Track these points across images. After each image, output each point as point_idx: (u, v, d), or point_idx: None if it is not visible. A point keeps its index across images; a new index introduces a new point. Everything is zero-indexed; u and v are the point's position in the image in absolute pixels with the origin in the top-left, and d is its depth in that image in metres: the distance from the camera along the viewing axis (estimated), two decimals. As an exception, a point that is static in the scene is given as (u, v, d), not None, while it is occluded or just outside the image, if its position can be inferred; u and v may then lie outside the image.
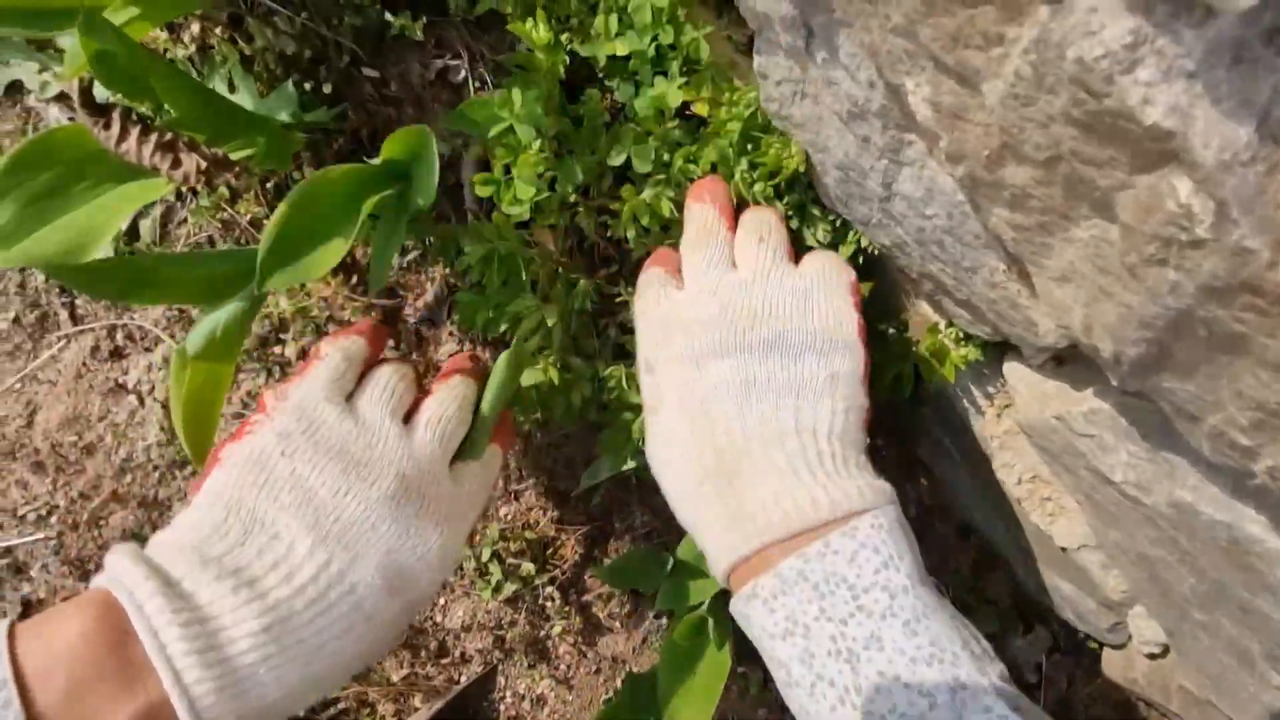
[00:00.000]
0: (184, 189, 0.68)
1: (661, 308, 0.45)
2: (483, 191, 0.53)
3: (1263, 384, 0.25)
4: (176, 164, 0.44)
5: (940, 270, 0.46)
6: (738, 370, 0.41)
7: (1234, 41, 0.20)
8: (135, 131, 0.44)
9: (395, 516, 0.38)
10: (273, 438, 0.39)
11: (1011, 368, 0.52)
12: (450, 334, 0.71)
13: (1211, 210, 0.22)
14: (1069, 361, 0.45)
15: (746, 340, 0.42)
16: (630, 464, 0.64)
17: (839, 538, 0.36)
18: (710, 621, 0.54)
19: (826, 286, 0.45)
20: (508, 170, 0.53)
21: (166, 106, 0.43)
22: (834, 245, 0.54)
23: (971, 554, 0.75)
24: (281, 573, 0.35)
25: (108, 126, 0.48)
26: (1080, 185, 0.26)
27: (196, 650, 0.31)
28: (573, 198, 0.55)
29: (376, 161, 0.47)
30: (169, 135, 0.45)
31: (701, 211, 0.48)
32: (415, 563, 0.39)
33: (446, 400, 0.44)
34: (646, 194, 0.53)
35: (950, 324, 0.54)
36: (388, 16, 0.63)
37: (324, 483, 0.38)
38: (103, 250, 0.44)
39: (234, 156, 0.48)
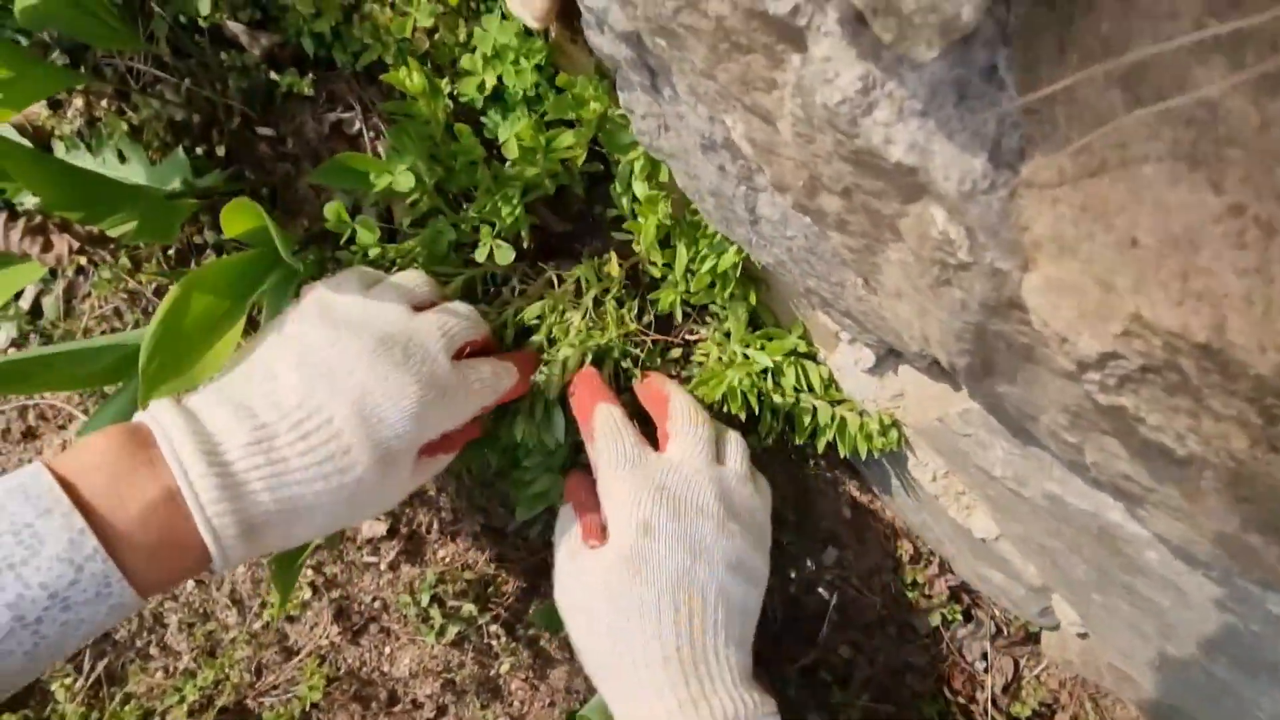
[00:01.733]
0: (85, 265, 0.67)
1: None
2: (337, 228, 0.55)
3: (1060, 388, 0.26)
4: (48, 246, 0.44)
5: (818, 286, 0.48)
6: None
7: (955, 80, 0.21)
8: (1, 218, 0.43)
9: (373, 364, 0.42)
10: (294, 314, 0.45)
11: (905, 371, 0.54)
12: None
13: (964, 236, 0.23)
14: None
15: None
16: (555, 498, 0.65)
17: None
18: None
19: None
20: (357, 210, 0.54)
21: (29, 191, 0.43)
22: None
23: (907, 549, 0.76)
24: (270, 401, 0.39)
25: None
26: (874, 213, 0.28)
27: (201, 451, 0.36)
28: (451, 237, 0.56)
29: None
30: (38, 218, 0.45)
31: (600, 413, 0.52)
32: (390, 408, 0.41)
33: (462, 310, 0.49)
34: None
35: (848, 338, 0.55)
36: (273, 76, 0.63)
37: (320, 336, 0.43)
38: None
39: (112, 233, 0.48)
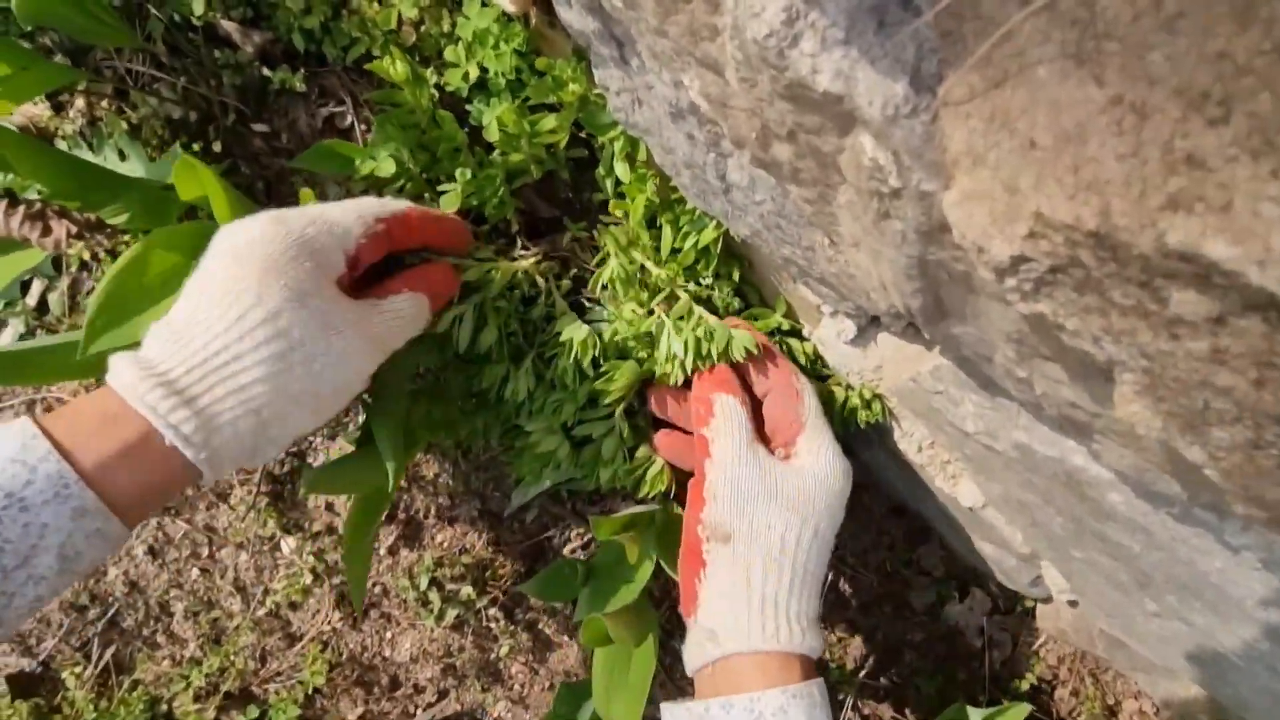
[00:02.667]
0: (89, 260, 0.69)
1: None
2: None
3: (1001, 315, 0.27)
4: (47, 231, 0.46)
5: (792, 253, 0.49)
6: None
7: (875, 7, 0.22)
8: (1, 205, 0.45)
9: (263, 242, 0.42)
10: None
11: (883, 338, 0.54)
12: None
13: (892, 161, 0.24)
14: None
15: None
16: (549, 481, 0.66)
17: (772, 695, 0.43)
18: (610, 624, 0.54)
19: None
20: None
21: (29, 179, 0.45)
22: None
23: (903, 527, 0.76)
24: (170, 313, 0.40)
25: None
26: (818, 154, 0.29)
27: (130, 357, 0.38)
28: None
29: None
30: (37, 205, 0.47)
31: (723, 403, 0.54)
32: (268, 241, 0.42)
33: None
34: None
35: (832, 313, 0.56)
36: (266, 72, 0.65)
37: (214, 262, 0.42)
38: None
39: (109, 220, 0.49)
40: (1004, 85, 0.20)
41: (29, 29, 0.57)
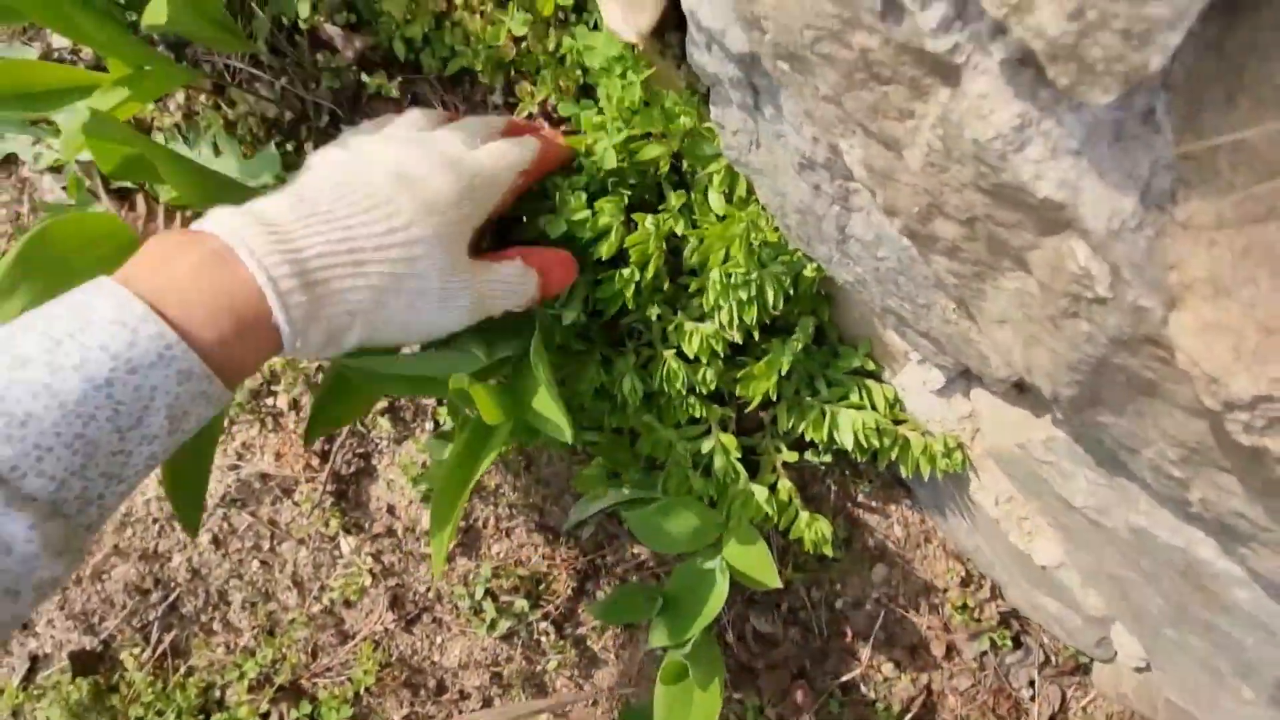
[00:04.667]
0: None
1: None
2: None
3: (1180, 424, 0.27)
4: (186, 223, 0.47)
5: (899, 306, 0.48)
6: None
7: (1113, 123, 0.22)
8: (160, 210, 0.46)
9: (406, 145, 0.44)
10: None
11: (977, 394, 0.54)
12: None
13: (1107, 273, 0.23)
14: (1028, 390, 0.47)
15: None
16: (611, 501, 0.66)
17: None
18: (690, 667, 0.55)
19: None
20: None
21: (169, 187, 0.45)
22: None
23: (958, 572, 0.76)
24: (305, 182, 0.41)
25: (132, 208, 0.50)
26: (999, 243, 0.28)
27: (244, 211, 0.37)
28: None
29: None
30: (188, 211, 0.47)
31: None
32: (429, 172, 0.43)
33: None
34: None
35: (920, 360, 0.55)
36: (364, 78, 0.65)
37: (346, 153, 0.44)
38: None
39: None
40: (1268, 222, 0.19)
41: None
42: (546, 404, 0.47)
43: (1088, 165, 0.22)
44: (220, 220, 0.37)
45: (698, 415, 0.61)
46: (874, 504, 0.76)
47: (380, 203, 0.40)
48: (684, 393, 0.59)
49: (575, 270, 0.53)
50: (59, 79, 0.54)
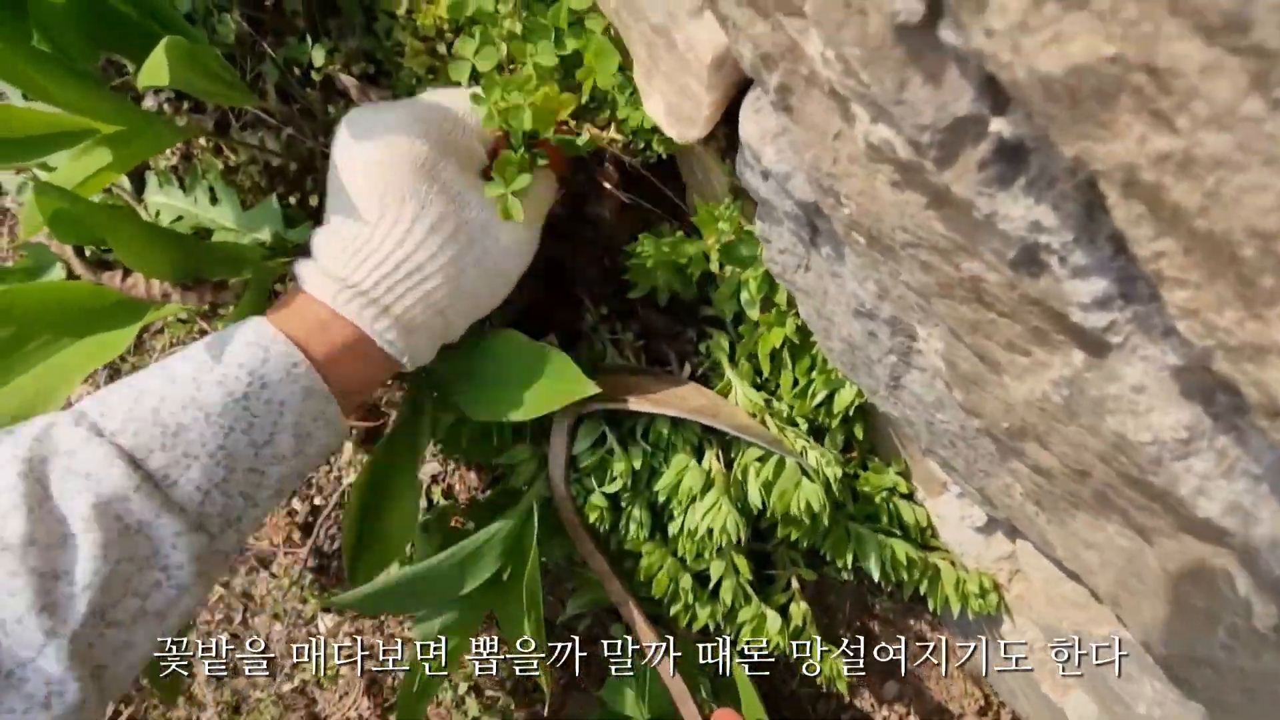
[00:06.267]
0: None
1: None
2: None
3: None
4: (188, 288, 0.42)
5: (952, 458, 0.43)
6: None
7: (1310, 446, 0.17)
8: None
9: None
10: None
11: (1026, 547, 0.49)
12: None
13: (1275, 615, 0.18)
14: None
15: None
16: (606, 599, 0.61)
17: None
18: None
19: None
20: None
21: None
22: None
23: (976, 697, 0.70)
24: (368, 231, 0.42)
25: (109, 267, 0.45)
26: (1114, 505, 0.23)
27: (357, 296, 0.41)
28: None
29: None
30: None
31: None
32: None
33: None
34: None
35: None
36: (379, 132, 0.61)
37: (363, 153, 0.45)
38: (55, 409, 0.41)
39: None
40: None
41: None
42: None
43: (1269, 492, 0.17)
44: (310, 283, 0.42)
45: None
46: (891, 617, 0.70)
47: (385, 202, 0.41)
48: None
49: (563, 155, 0.51)
50: (43, 124, 0.49)
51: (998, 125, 0.15)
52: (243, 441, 0.37)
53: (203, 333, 0.66)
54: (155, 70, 0.39)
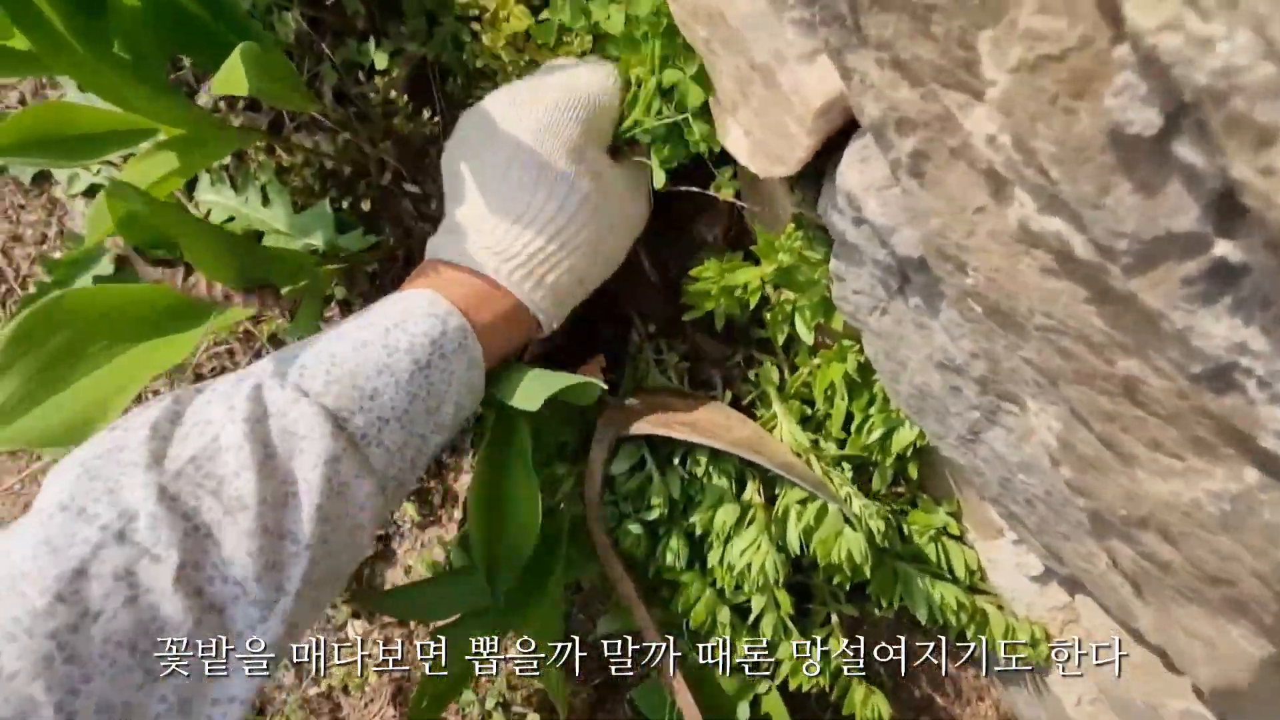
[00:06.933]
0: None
1: None
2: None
3: None
4: (250, 291, 0.42)
5: (1024, 514, 0.42)
6: None
7: None
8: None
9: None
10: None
11: (1086, 602, 0.48)
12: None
13: None
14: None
15: None
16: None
17: None
18: None
19: None
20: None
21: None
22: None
23: (1009, 738, 0.69)
24: (522, 208, 0.44)
25: (172, 266, 0.45)
26: (1254, 615, 0.22)
27: (519, 268, 0.43)
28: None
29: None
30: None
31: None
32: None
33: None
34: None
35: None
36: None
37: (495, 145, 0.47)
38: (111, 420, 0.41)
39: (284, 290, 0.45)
40: None
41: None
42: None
43: None
44: (476, 261, 0.43)
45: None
46: (921, 651, 0.69)
47: (540, 179, 0.44)
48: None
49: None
50: (102, 123, 0.48)
51: (1223, 249, 0.14)
52: (421, 409, 0.38)
53: (244, 335, 0.65)
54: (234, 80, 0.38)
